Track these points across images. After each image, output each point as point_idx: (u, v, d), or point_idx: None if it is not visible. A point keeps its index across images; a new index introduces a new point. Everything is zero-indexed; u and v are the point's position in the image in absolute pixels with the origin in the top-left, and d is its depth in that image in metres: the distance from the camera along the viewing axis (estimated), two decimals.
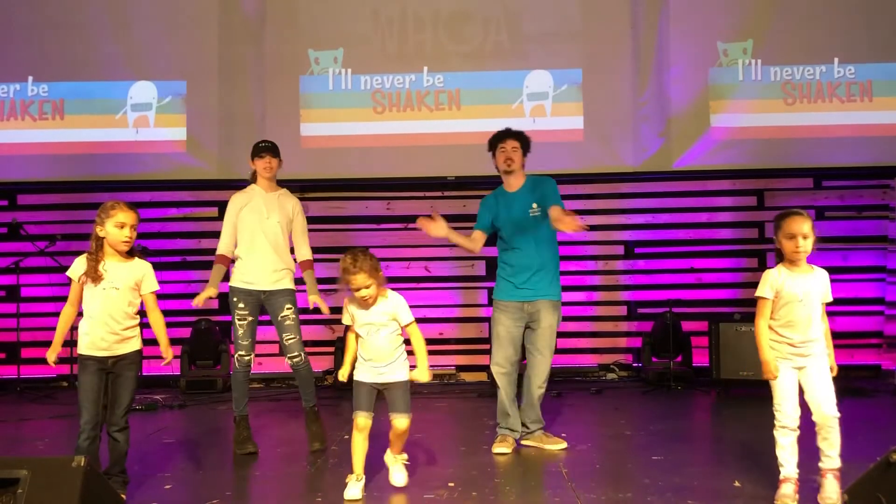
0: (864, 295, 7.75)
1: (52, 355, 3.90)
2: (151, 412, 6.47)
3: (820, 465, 3.75)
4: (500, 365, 4.97)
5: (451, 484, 4.03)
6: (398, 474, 4.08)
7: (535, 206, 4.92)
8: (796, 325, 3.78)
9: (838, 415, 3.74)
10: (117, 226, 3.87)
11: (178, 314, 7.76)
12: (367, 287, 3.92)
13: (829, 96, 7.62)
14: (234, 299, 4.98)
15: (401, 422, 4.03)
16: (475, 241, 5.08)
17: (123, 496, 3.90)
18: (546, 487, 4.19)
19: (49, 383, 7.66)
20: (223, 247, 5.05)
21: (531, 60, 7.74)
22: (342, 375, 4.06)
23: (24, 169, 7.80)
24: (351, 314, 4.04)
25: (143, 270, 4.00)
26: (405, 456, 4.09)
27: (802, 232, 3.74)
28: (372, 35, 7.81)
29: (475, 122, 7.67)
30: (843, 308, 7.66)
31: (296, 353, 4.99)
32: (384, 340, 3.99)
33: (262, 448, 5.03)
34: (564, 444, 4.93)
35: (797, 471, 3.76)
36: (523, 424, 5.00)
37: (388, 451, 4.16)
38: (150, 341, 7.80)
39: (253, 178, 5.15)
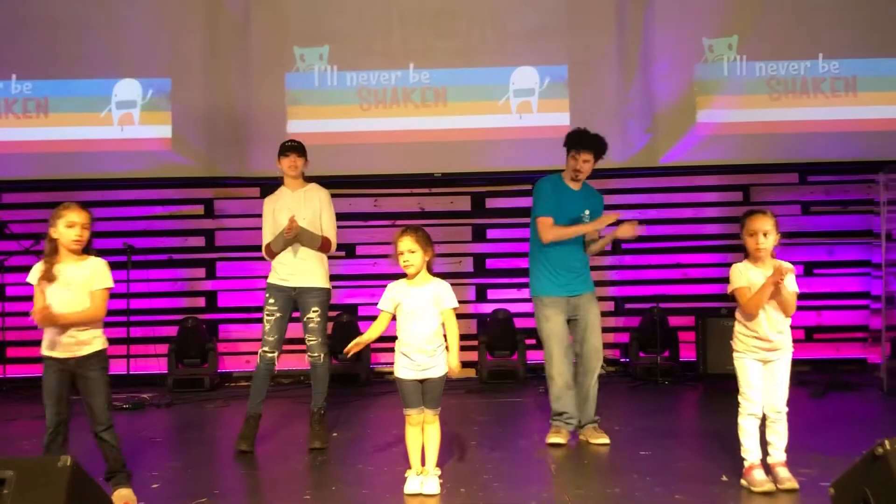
0: (850, 289, 7.79)
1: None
2: (139, 411, 6.43)
3: (768, 459, 3.95)
4: (562, 360, 5.09)
5: (441, 480, 4.03)
6: (430, 483, 3.98)
7: (587, 212, 5.10)
8: (763, 320, 3.95)
9: (786, 409, 3.97)
10: (68, 225, 3.87)
11: (164, 312, 7.72)
12: (411, 252, 3.96)
13: (814, 91, 7.64)
14: (267, 295, 5.10)
15: (430, 416, 4.05)
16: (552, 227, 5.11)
17: (130, 489, 3.94)
18: (534, 483, 4.20)
19: (35, 383, 7.57)
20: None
21: (517, 57, 7.72)
22: (351, 348, 4.00)
23: (8, 167, 7.71)
24: (393, 299, 4.05)
25: (94, 267, 3.92)
26: (439, 471, 4.05)
27: (763, 229, 3.94)
28: (358, 31, 7.77)
29: (462, 118, 7.66)
30: (829, 302, 7.71)
31: (315, 354, 5.09)
32: (429, 323, 4.03)
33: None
34: (608, 440, 4.97)
35: (761, 454, 3.95)
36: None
37: (425, 464, 4.06)
38: (137, 339, 7.74)
39: (283, 179, 5.25)
